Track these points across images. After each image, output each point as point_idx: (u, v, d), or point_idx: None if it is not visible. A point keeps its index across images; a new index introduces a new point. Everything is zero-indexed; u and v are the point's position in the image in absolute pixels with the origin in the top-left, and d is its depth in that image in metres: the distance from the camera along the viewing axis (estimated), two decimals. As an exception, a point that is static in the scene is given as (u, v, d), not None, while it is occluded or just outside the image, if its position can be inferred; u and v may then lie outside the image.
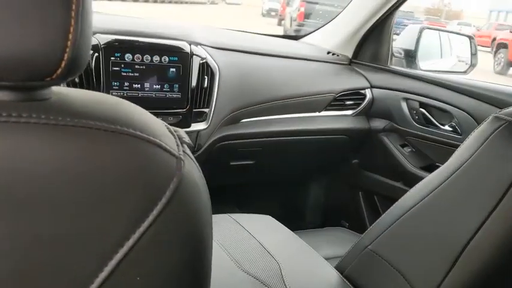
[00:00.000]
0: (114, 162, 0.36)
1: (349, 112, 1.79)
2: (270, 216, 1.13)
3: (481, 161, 0.69)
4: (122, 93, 1.29)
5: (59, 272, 0.34)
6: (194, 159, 0.44)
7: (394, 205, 0.84)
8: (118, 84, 1.29)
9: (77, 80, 1.23)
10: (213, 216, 1.24)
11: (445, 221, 0.71)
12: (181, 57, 1.35)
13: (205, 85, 1.40)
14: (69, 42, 0.35)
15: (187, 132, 1.32)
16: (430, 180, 0.78)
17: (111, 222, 0.36)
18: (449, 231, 0.70)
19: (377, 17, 1.77)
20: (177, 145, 0.41)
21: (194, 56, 1.37)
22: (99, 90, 1.26)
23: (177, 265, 0.40)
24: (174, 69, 1.35)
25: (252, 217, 1.12)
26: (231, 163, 1.68)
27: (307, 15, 10.54)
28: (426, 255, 0.73)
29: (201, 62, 1.39)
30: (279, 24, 16.64)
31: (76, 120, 0.35)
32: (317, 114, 1.73)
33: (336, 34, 1.91)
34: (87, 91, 0.44)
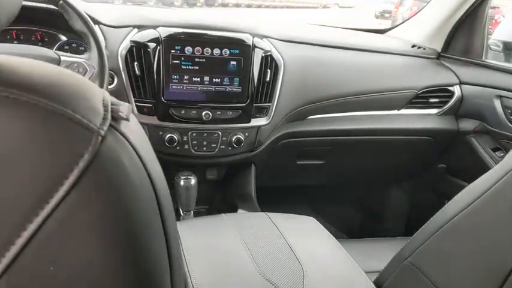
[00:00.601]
0: (8, 134, 0.32)
1: (434, 111, 1.61)
2: (313, 219, 1.04)
3: None
4: (181, 87, 1.29)
5: None
6: (129, 139, 0.38)
7: (437, 213, 0.71)
8: (177, 77, 1.29)
9: (138, 72, 1.26)
10: (248, 213, 1.18)
11: (488, 236, 0.59)
12: (243, 50, 1.31)
13: (268, 79, 1.35)
14: None
15: (246, 128, 1.29)
16: (474, 186, 0.65)
17: (9, 206, 0.32)
18: (494, 248, 0.57)
19: (469, 4, 1.57)
20: (103, 118, 0.36)
21: (256, 49, 1.33)
22: (159, 83, 1.27)
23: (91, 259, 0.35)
24: (234, 62, 1.32)
25: (290, 217, 1.04)
26: (298, 162, 1.60)
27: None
28: (468, 273, 0.60)
29: (263, 54, 1.34)
30: (392, 25, 15.95)
31: None
32: (396, 112, 1.58)
33: (423, 26, 1.74)
34: (32, 61, 0.41)
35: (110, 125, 0.36)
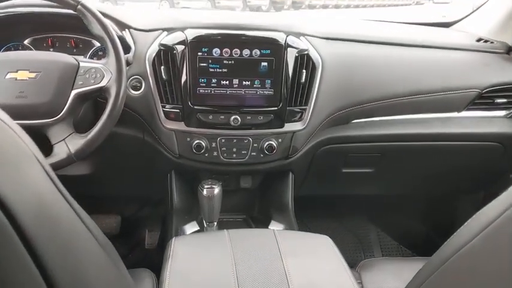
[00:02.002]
0: None
1: (502, 113, 1.40)
2: (328, 238, 0.92)
3: None
4: (209, 91, 1.23)
5: None
6: None
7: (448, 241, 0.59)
8: (205, 81, 1.22)
9: (165, 77, 1.21)
10: (254, 230, 1.08)
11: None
12: (274, 50, 1.22)
13: (303, 80, 1.24)
14: None
15: (279, 133, 1.20)
16: (482, 214, 0.56)
17: None
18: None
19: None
20: None
21: (289, 48, 1.22)
22: (186, 88, 1.21)
23: None
24: (266, 63, 1.23)
25: (300, 236, 0.92)
26: (344, 170, 1.47)
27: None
28: None
29: (298, 54, 1.23)
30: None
31: None
32: (456, 114, 1.40)
33: (493, 16, 1.53)
34: None
35: None
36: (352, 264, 1.86)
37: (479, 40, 1.49)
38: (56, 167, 1.03)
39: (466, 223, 0.58)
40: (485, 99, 1.38)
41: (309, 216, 1.96)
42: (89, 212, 1.79)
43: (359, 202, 1.92)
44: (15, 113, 1.00)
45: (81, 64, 1.09)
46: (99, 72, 1.08)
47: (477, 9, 1.67)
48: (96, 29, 1.08)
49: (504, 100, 1.38)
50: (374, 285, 1.04)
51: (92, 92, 1.07)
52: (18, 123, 1.03)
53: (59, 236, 0.40)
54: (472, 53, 1.43)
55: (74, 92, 1.06)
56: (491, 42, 1.48)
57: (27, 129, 1.11)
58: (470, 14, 1.69)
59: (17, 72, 1.05)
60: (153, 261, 1.81)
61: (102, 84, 1.07)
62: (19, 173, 0.37)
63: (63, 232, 0.41)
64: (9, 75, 1.04)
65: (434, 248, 0.58)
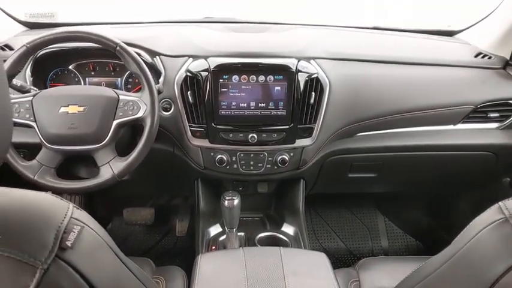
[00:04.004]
0: None
1: (494, 125, 1.54)
2: (324, 255, 1.10)
3: (471, 254, 0.59)
4: (229, 112, 1.41)
5: None
6: (74, 264, 0.49)
7: (413, 272, 0.76)
8: (226, 103, 1.40)
9: (192, 100, 1.39)
10: (264, 249, 1.29)
11: None
12: (287, 75, 1.38)
13: (312, 101, 1.40)
14: None
15: (291, 149, 1.37)
16: (440, 256, 0.68)
17: None
18: None
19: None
20: (50, 251, 0.48)
21: (300, 73, 1.38)
22: (210, 110, 1.39)
23: None
24: (279, 88, 1.39)
25: (301, 254, 1.12)
26: (350, 175, 1.64)
27: None
28: None
29: (307, 78, 1.38)
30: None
31: None
32: (452, 127, 1.54)
33: (494, 29, 1.63)
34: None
35: (56, 255, 0.48)
36: (357, 252, 2.06)
37: (477, 55, 1.60)
38: (101, 186, 1.25)
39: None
40: (479, 113, 1.51)
41: (322, 207, 2.16)
42: (129, 206, 2.08)
43: (367, 195, 2.10)
44: (68, 141, 1.23)
45: (121, 97, 1.28)
46: (135, 104, 1.27)
47: (481, 20, 1.75)
48: (133, 67, 1.27)
49: (497, 114, 1.51)
50: (370, 283, 1.23)
51: (130, 121, 1.27)
52: (70, 149, 1.24)
53: None
54: (469, 69, 1.55)
55: (115, 122, 1.26)
56: (489, 58, 1.58)
57: (78, 153, 1.37)
58: (474, 24, 1.78)
59: (68, 106, 1.25)
60: (183, 247, 2.05)
61: (139, 115, 1.26)
62: (96, 257, 0.56)
63: None
64: (62, 109, 1.24)
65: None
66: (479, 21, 1.77)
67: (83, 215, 0.57)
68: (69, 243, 0.50)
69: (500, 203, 0.59)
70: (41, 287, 0.45)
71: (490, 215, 0.58)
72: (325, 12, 2.49)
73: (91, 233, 0.55)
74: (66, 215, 0.53)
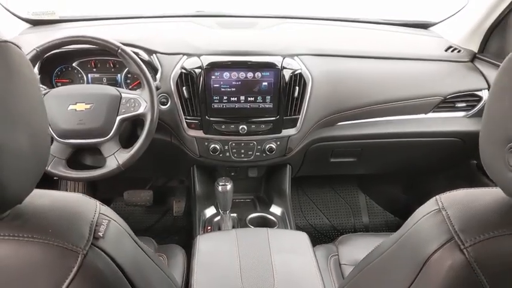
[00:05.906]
0: (20, 264, 0.58)
1: (461, 114, 1.70)
2: (305, 234, 1.27)
3: (412, 237, 0.73)
4: (221, 105, 1.55)
5: None
6: (107, 251, 0.64)
7: (364, 257, 0.92)
8: (218, 98, 1.54)
9: (187, 95, 1.53)
10: (253, 230, 1.46)
11: None
12: (273, 72, 1.52)
13: (296, 95, 1.54)
14: None
15: (277, 138, 1.53)
16: (392, 237, 0.83)
17: None
18: None
19: (505, 5, 1.58)
20: (87, 240, 0.63)
21: (285, 70, 1.52)
22: (204, 104, 1.53)
23: None
24: (266, 83, 1.53)
25: (285, 233, 1.30)
26: (332, 160, 1.81)
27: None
28: None
29: (291, 74, 1.52)
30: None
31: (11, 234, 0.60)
32: (423, 116, 1.70)
33: (464, 23, 1.77)
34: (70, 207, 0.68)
35: (92, 244, 0.63)
36: (341, 228, 2.25)
37: (448, 49, 1.75)
38: (108, 175, 1.40)
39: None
40: (448, 103, 1.67)
41: (308, 188, 2.33)
42: (129, 188, 2.26)
43: (349, 176, 2.27)
44: (77, 135, 1.37)
45: (123, 95, 1.42)
46: (136, 101, 1.41)
47: (455, 14, 1.89)
48: (134, 68, 1.40)
49: (464, 104, 1.67)
50: (348, 256, 1.41)
51: (132, 117, 1.41)
52: (79, 142, 1.39)
53: (145, 271, 0.77)
54: (439, 62, 1.70)
55: (118, 118, 1.40)
56: (459, 51, 1.73)
57: (86, 145, 1.52)
58: (448, 18, 1.91)
59: (76, 104, 1.38)
60: (180, 226, 2.22)
61: (140, 111, 1.40)
62: (121, 243, 0.72)
63: (147, 268, 0.78)
64: (70, 107, 1.38)
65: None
66: (453, 15, 1.91)
67: (108, 211, 0.72)
68: (100, 234, 0.65)
69: (437, 196, 0.74)
70: (83, 268, 0.60)
71: (428, 206, 0.74)
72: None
73: (115, 225, 0.71)
74: (95, 211, 0.68)
